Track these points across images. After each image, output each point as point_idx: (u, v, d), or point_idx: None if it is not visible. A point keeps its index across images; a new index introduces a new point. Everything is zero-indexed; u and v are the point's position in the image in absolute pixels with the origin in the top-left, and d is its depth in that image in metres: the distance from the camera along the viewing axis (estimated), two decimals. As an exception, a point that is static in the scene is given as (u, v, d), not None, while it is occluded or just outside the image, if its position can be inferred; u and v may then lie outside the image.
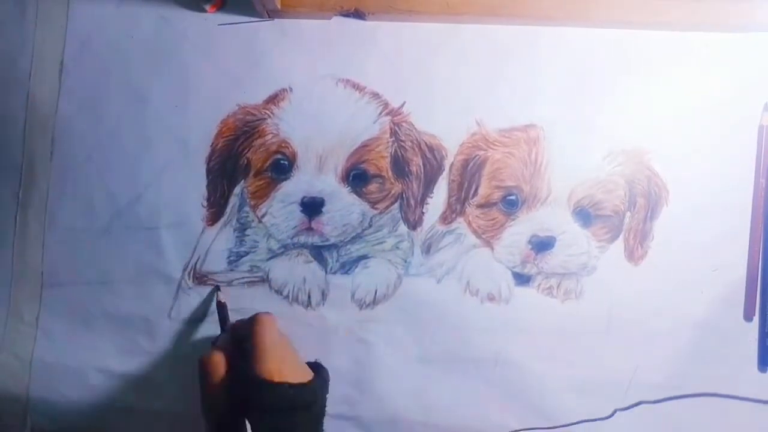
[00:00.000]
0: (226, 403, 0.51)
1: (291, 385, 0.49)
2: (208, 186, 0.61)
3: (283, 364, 0.50)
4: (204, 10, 0.62)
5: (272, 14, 0.62)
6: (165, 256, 0.61)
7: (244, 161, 0.61)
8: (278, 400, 0.49)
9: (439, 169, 0.61)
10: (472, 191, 0.61)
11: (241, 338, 0.53)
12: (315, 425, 0.51)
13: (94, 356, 0.61)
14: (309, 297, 0.61)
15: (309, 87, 0.61)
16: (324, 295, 0.61)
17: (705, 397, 0.59)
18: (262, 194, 0.61)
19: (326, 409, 0.53)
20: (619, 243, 0.61)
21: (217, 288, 0.60)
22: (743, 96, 0.61)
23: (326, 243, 0.61)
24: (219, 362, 0.51)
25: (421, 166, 0.61)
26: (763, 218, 0.60)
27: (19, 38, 0.63)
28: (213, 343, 0.56)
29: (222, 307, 0.59)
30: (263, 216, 0.61)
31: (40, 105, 0.62)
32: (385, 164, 0.61)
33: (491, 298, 0.60)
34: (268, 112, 0.61)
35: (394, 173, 0.61)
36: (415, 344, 0.60)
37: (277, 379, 0.49)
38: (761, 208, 0.60)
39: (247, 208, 0.61)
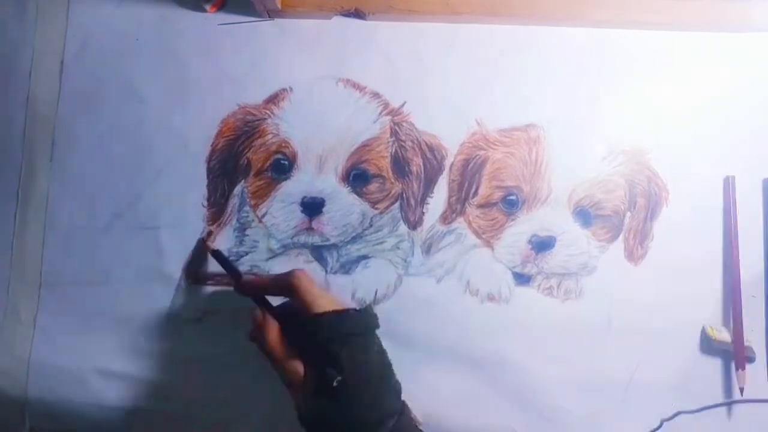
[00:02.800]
0: (306, 367, 0.50)
1: (356, 310, 0.50)
2: (208, 186, 0.61)
3: (334, 300, 0.51)
4: (204, 10, 0.62)
5: (272, 14, 0.62)
6: (165, 255, 0.61)
7: (244, 161, 0.61)
8: (350, 325, 0.49)
9: (440, 169, 0.61)
10: (472, 191, 0.61)
11: (275, 294, 0.53)
12: (383, 351, 0.51)
13: (92, 357, 0.60)
14: (309, 297, 0.60)
15: (309, 87, 0.61)
16: (324, 295, 0.60)
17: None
18: (262, 194, 0.61)
19: None
20: (619, 243, 0.61)
21: (202, 240, 0.59)
22: (744, 96, 0.61)
23: (326, 243, 0.61)
24: (275, 339, 0.51)
25: (422, 166, 0.61)
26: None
27: (19, 38, 0.63)
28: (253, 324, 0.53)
29: (217, 253, 0.58)
30: (263, 216, 0.61)
31: (40, 105, 0.62)
32: (386, 164, 0.61)
33: (491, 298, 0.60)
34: (268, 111, 0.61)
35: (395, 173, 0.61)
36: (415, 344, 0.59)
37: (340, 308, 0.49)
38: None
39: (247, 208, 0.61)
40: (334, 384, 0.47)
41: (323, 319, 0.49)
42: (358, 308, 0.51)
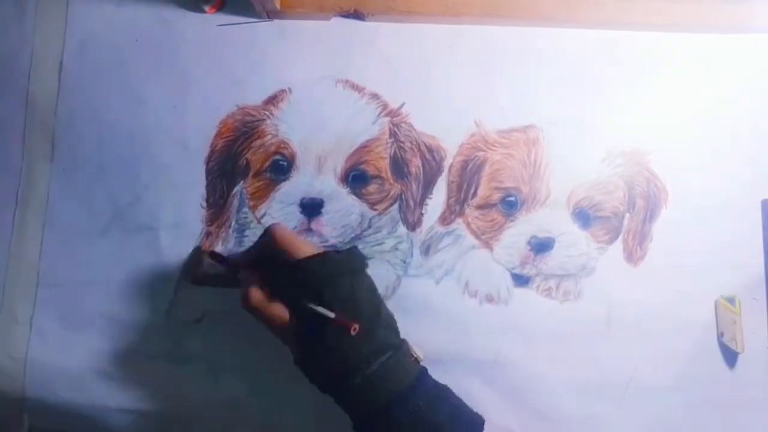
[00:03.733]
0: (293, 312, 0.50)
1: (338, 251, 0.50)
2: (207, 187, 0.61)
3: (315, 246, 0.51)
4: (203, 11, 0.62)
5: (271, 15, 0.62)
6: (164, 256, 0.61)
7: (243, 162, 0.61)
8: (333, 267, 0.49)
9: (439, 170, 0.61)
10: (471, 192, 0.61)
11: (260, 258, 0.52)
12: (373, 290, 0.51)
13: (89, 358, 0.60)
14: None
15: (308, 88, 0.61)
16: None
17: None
18: (261, 195, 0.61)
19: None
20: (618, 244, 0.61)
21: (197, 248, 0.59)
22: (743, 97, 0.61)
23: (325, 244, 0.60)
24: (256, 294, 0.50)
25: (421, 167, 0.61)
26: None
27: (19, 38, 0.63)
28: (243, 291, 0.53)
29: (215, 255, 0.58)
30: (262, 217, 0.61)
31: (39, 105, 0.62)
32: (385, 165, 0.61)
33: (490, 299, 0.60)
34: (267, 112, 0.61)
35: (394, 174, 0.61)
36: (413, 345, 0.57)
37: (322, 251, 0.49)
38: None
39: (246, 209, 0.61)
40: (315, 309, 0.47)
41: (306, 262, 0.49)
42: (340, 250, 0.50)
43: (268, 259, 0.51)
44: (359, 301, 0.49)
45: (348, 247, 0.54)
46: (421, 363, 0.51)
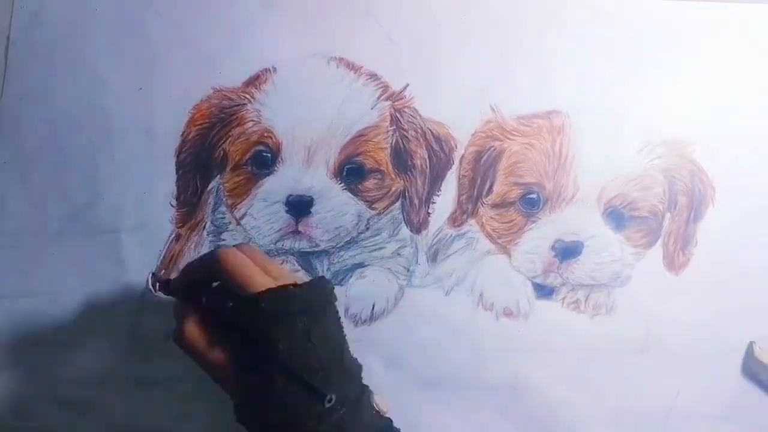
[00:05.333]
0: (237, 357, 0.47)
1: (295, 285, 0.46)
2: (177, 182, 0.58)
3: (271, 273, 0.47)
4: (173, -23, 0.60)
5: (253, -19, 0.59)
6: (127, 264, 0.57)
7: (219, 153, 0.58)
8: (289, 304, 0.45)
9: (448, 163, 0.59)
10: (485, 189, 0.59)
11: (203, 283, 0.49)
12: (336, 330, 0.48)
13: (41, 382, 0.57)
14: (295, 312, 0.59)
15: (296, 67, 0.59)
16: (313, 310, 0.59)
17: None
18: (241, 192, 0.58)
19: None
20: (657, 249, 0.58)
21: (152, 275, 0.55)
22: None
23: (315, 249, 0.58)
24: (193, 330, 0.47)
25: (427, 160, 0.59)
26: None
27: (-43, 10, 0.61)
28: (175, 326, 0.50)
29: (155, 278, 0.54)
30: (242, 217, 0.58)
31: (-19, 88, 0.60)
32: (385, 157, 0.58)
33: (508, 313, 0.58)
34: (247, 96, 0.59)
35: (395, 167, 0.59)
36: (419, 367, 0.57)
37: (277, 284, 0.46)
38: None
39: (223, 208, 0.59)
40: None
41: (257, 300, 0.45)
42: (299, 282, 0.47)
43: (208, 283, 0.48)
44: (314, 346, 0.45)
45: (313, 278, 0.50)
46: (385, 415, 0.48)
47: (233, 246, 0.49)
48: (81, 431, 0.56)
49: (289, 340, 0.45)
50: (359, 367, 0.48)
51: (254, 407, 0.46)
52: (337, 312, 0.49)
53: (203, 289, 0.48)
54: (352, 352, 0.48)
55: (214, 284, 0.49)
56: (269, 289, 0.45)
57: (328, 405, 0.44)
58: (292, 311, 0.45)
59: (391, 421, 0.47)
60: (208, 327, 0.47)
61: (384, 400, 0.48)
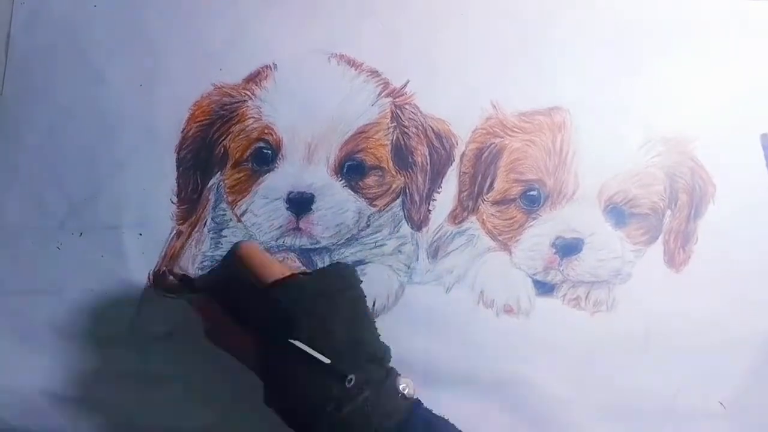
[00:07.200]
0: (261, 343, 0.47)
1: (306, 273, 0.48)
2: (178, 179, 0.58)
3: (286, 267, 0.49)
4: (174, -27, 0.60)
5: (253, -23, 0.60)
6: (127, 260, 0.57)
7: (220, 150, 0.58)
8: (303, 291, 0.46)
9: (448, 160, 0.59)
10: (486, 185, 0.59)
11: (224, 281, 0.50)
12: (357, 315, 0.48)
13: (42, 378, 0.56)
14: (296, 309, 0.59)
15: (296, 63, 0.59)
16: (314, 307, 0.59)
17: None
18: (241, 189, 0.58)
19: None
20: (658, 246, 0.58)
21: (158, 273, 0.57)
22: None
23: (316, 246, 0.58)
24: (221, 324, 0.49)
25: (427, 156, 0.59)
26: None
27: (-43, 6, 0.61)
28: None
29: (177, 275, 0.55)
30: (243, 214, 0.58)
31: (-19, 84, 0.60)
32: (386, 154, 0.58)
33: (509, 310, 0.57)
34: (248, 92, 0.59)
35: (396, 164, 0.59)
36: (419, 364, 0.56)
37: (293, 272, 0.47)
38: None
39: (224, 205, 0.58)
40: (307, 350, 0.45)
41: (273, 289, 0.46)
42: (310, 271, 0.49)
43: (233, 281, 0.49)
44: (332, 333, 0.46)
45: (327, 266, 0.51)
46: (413, 398, 0.48)
47: (235, 243, 0.49)
48: (81, 428, 0.56)
49: (308, 323, 0.45)
50: (385, 350, 0.48)
51: (280, 391, 0.47)
52: (360, 296, 0.49)
53: (231, 284, 0.49)
54: (380, 336, 0.49)
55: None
56: (286, 277, 0.46)
57: (348, 385, 0.44)
58: (311, 296, 0.46)
59: (420, 401, 0.47)
60: (231, 318, 0.48)
61: (411, 383, 0.48)
